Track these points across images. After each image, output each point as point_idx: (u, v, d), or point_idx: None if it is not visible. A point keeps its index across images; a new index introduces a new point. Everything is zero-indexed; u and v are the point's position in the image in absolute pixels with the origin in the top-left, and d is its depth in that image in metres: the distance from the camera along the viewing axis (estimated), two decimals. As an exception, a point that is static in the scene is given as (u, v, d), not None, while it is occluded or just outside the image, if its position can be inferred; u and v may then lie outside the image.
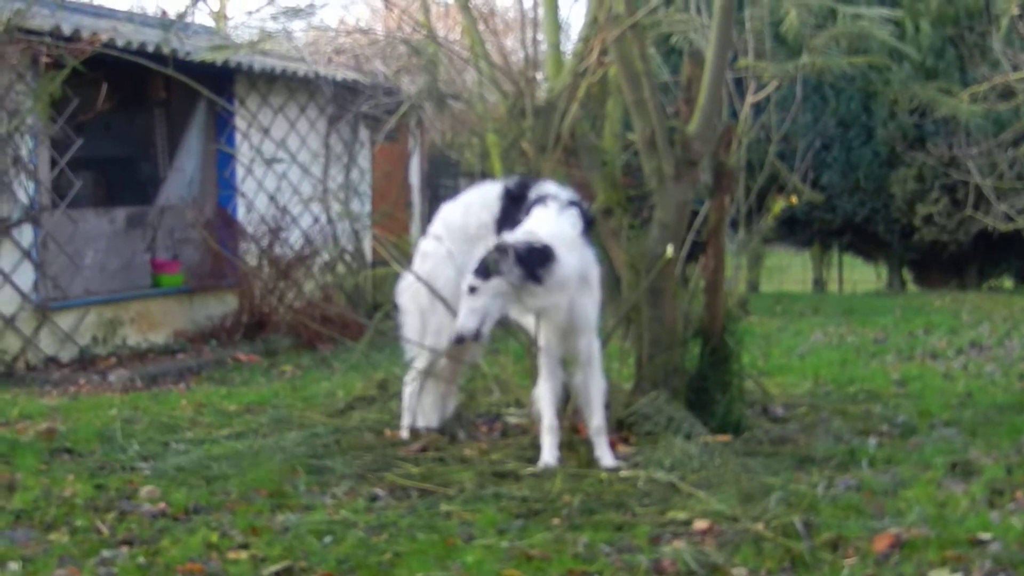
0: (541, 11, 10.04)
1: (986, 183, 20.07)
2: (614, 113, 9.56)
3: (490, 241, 7.71)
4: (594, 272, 7.90)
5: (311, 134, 19.15)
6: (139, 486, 7.23)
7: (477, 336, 7.51)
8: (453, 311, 8.36)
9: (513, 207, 8.07)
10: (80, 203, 15.16)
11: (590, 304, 7.85)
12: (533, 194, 7.93)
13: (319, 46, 21.12)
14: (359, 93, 19.29)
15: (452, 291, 8.34)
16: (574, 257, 7.67)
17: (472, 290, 7.43)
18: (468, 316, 7.44)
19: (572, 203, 7.90)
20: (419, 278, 8.47)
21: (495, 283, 7.38)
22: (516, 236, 7.59)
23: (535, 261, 7.41)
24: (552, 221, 7.70)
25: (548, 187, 8.01)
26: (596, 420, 7.86)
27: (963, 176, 20.82)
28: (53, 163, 14.31)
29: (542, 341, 7.84)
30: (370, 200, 20.57)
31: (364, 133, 20.20)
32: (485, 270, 7.40)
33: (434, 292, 8.39)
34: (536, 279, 7.42)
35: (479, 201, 8.42)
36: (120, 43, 13.63)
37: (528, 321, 8.02)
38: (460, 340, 7.68)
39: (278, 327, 16.25)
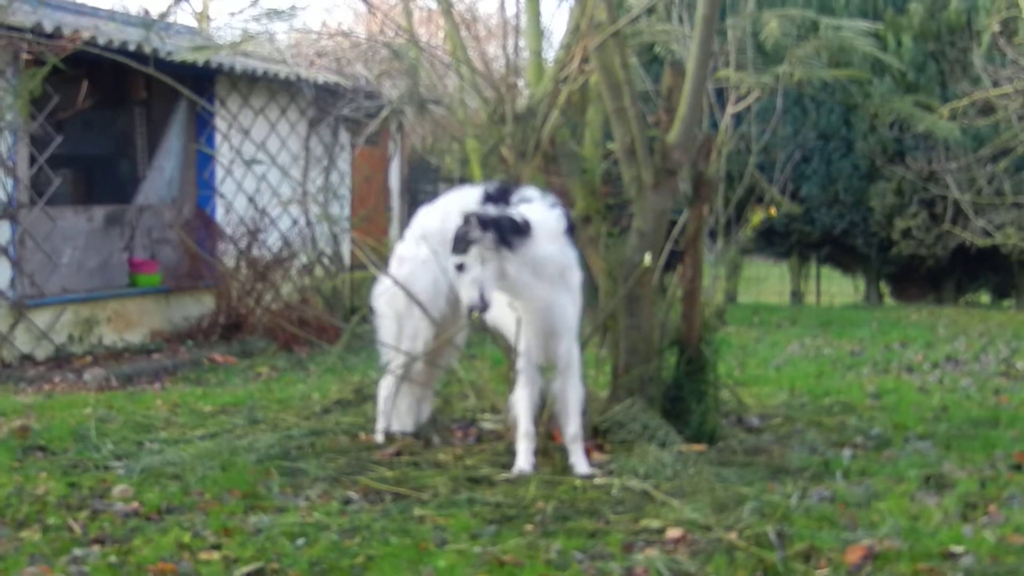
0: (524, 18, 10.05)
1: (964, 198, 20.15)
2: (594, 121, 9.56)
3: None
4: (575, 273, 7.91)
5: (291, 136, 19.11)
6: (112, 485, 7.22)
7: (484, 306, 7.50)
8: (429, 315, 8.37)
9: None
10: (58, 201, 15.13)
11: (570, 305, 7.85)
12: (515, 198, 7.92)
13: (301, 48, 21.11)
14: (340, 96, 19.27)
15: (429, 295, 8.37)
16: (555, 247, 7.72)
17: (460, 268, 7.43)
18: (469, 290, 7.43)
19: (556, 206, 7.92)
20: (396, 282, 8.47)
21: (474, 252, 7.38)
22: (485, 209, 7.64)
23: (504, 227, 7.44)
24: (539, 213, 7.71)
25: (529, 192, 8.01)
26: (572, 427, 7.85)
27: (942, 191, 20.90)
28: (32, 160, 14.27)
29: (522, 346, 7.84)
30: (349, 203, 20.53)
31: (344, 136, 20.18)
32: (460, 244, 7.42)
33: (410, 296, 8.39)
34: (507, 244, 7.43)
35: (457, 205, 8.38)
36: (101, 41, 13.60)
37: (508, 327, 8.02)
38: (474, 311, 7.65)
39: (255, 329, 16.22)
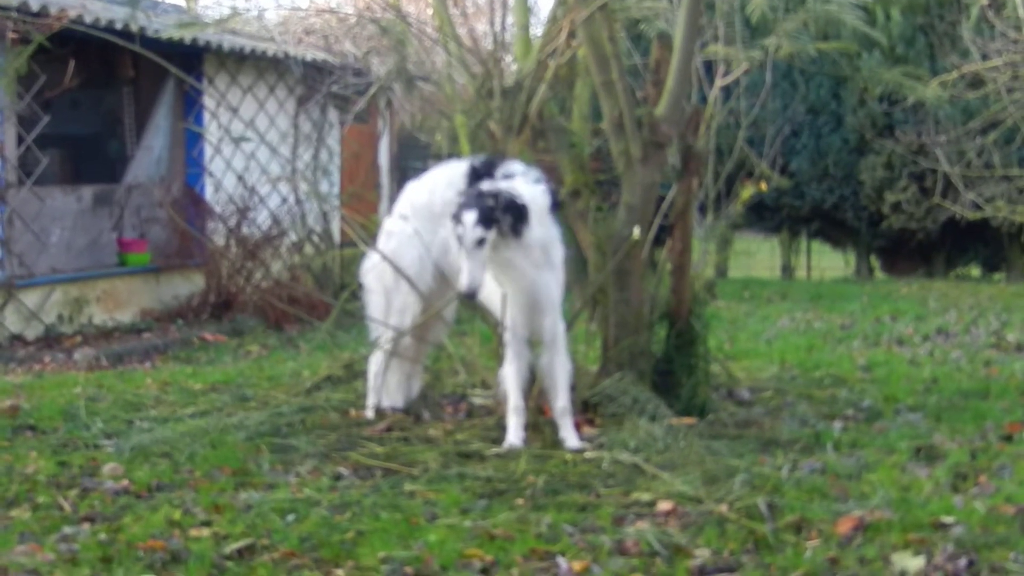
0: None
1: (954, 171, 20.12)
2: (582, 95, 9.54)
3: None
4: (557, 250, 7.90)
5: (280, 114, 19.09)
6: (102, 463, 7.22)
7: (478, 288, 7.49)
8: (417, 289, 8.36)
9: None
10: (47, 180, 15.10)
11: (553, 282, 7.84)
12: (499, 173, 7.91)
13: (289, 26, 21.06)
14: (328, 73, 19.23)
15: (416, 270, 8.36)
16: (542, 227, 7.70)
17: (480, 242, 7.39)
18: (478, 269, 7.42)
19: (540, 181, 7.91)
20: (384, 257, 8.46)
21: (494, 232, 7.41)
22: (496, 185, 7.63)
23: (518, 213, 7.46)
24: (525, 190, 7.70)
25: (515, 166, 8.00)
26: (560, 401, 7.85)
27: (932, 164, 20.88)
28: (20, 140, 14.24)
29: (508, 321, 7.83)
30: (339, 181, 20.53)
31: (333, 114, 20.16)
32: (488, 219, 7.39)
33: (398, 270, 8.38)
34: (516, 232, 7.46)
35: (444, 179, 8.39)
36: (88, 20, 13.55)
37: (494, 302, 8.01)
38: (472, 296, 7.61)
39: (245, 307, 16.21)
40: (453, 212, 7.53)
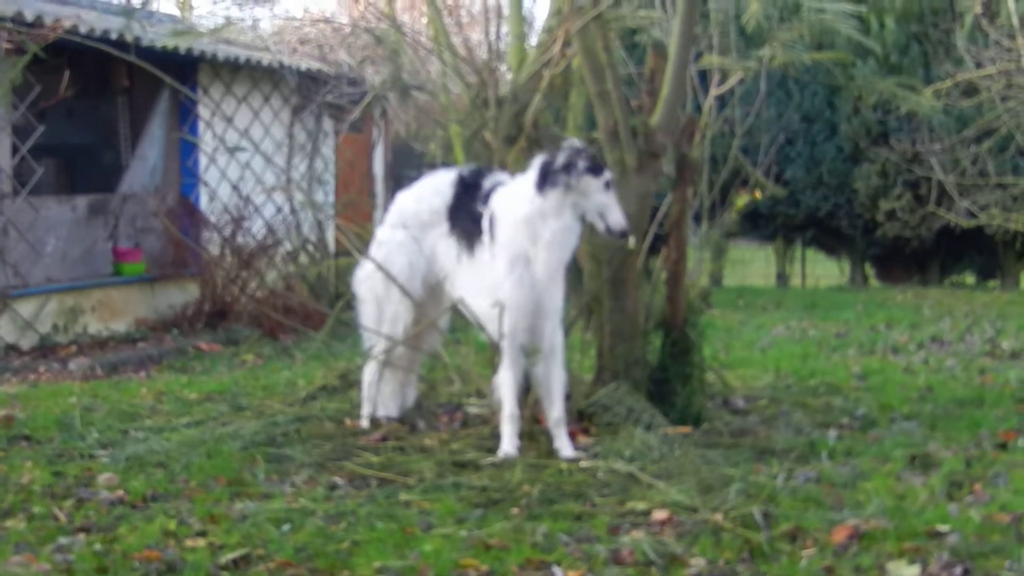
0: (506, 2, 10.04)
1: (949, 179, 20.14)
2: (577, 104, 9.55)
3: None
4: None
5: (275, 124, 19.07)
6: (97, 473, 7.23)
7: None
8: (409, 298, 8.36)
9: (466, 194, 8.14)
10: (42, 190, 15.08)
11: (555, 289, 7.85)
12: (487, 182, 7.97)
13: (284, 35, 21.06)
14: (323, 83, 19.24)
15: (406, 277, 8.37)
16: None
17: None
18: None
19: None
20: (378, 265, 8.46)
21: None
22: (562, 147, 7.92)
23: None
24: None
25: (502, 175, 8.04)
26: (556, 411, 7.86)
27: (926, 172, 20.89)
28: (15, 150, 14.22)
29: (506, 327, 7.82)
30: (333, 190, 20.51)
31: (328, 123, 20.14)
32: None
33: (390, 278, 8.38)
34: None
35: (432, 188, 8.47)
36: (83, 30, 13.55)
37: (490, 316, 7.99)
38: (627, 234, 7.97)
39: (240, 316, 16.18)
40: (585, 171, 7.76)
